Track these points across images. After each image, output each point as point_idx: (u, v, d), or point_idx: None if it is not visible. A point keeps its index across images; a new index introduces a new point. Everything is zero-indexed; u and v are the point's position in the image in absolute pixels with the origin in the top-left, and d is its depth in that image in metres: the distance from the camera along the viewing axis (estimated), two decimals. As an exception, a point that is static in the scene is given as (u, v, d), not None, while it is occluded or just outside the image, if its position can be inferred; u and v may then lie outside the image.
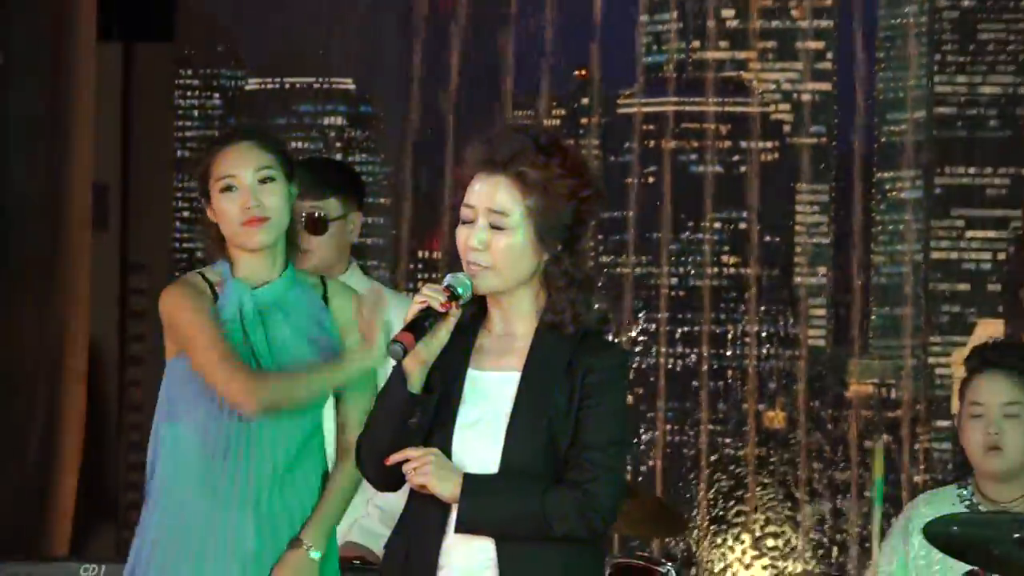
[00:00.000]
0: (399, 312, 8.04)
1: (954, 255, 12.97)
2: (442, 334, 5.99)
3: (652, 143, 12.76)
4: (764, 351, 12.93)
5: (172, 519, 7.45)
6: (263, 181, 7.17)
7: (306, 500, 7.26)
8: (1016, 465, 8.80)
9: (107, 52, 12.43)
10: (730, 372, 12.86)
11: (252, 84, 13.14)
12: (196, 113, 13.09)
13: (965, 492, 8.82)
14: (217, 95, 13.15)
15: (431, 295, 6.00)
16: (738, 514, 12.58)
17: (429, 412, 6.15)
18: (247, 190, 7.15)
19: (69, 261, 11.72)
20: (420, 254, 11.89)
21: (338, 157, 12.84)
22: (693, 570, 11.18)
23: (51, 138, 11.95)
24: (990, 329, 12.56)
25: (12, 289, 11.27)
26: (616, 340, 6.57)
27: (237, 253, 7.27)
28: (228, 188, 7.14)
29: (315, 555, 7.24)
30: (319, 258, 8.37)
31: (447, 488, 6.14)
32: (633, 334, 12.83)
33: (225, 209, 7.17)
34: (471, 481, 6.17)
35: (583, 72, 12.87)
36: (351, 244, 9.04)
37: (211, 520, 7.39)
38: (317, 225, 8.57)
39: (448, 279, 5.93)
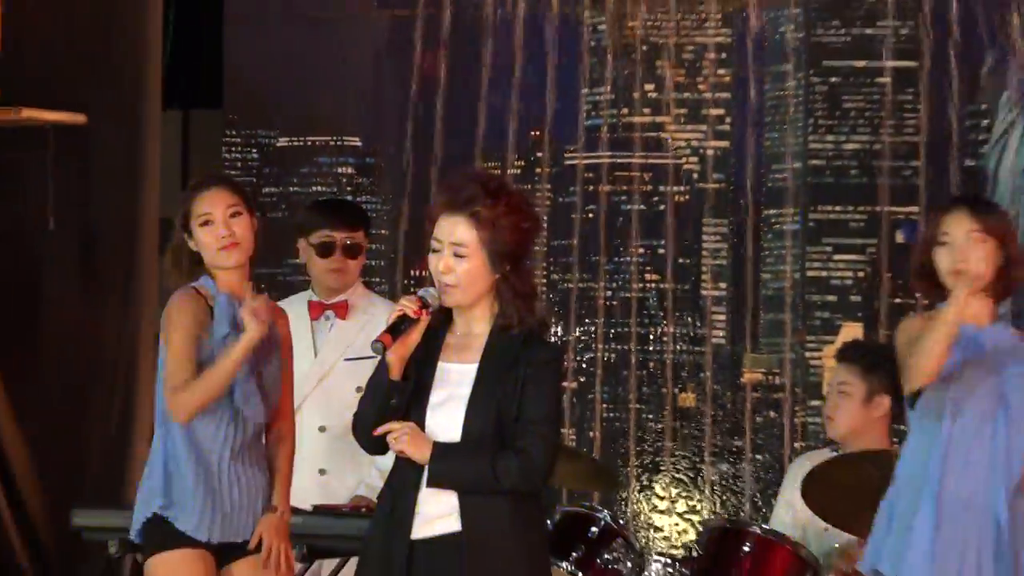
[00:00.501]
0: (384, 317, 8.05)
1: (824, 273, 13.36)
2: (415, 335, 6.82)
3: (591, 188, 13.05)
4: (678, 347, 13.20)
5: (201, 467, 7.86)
6: (233, 215, 7.81)
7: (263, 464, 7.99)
8: (844, 432, 9.21)
9: (170, 117, 12.72)
10: (652, 363, 13.13)
11: (282, 141, 13.37)
12: (239, 164, 13.37)
13: (836, 454, 9.18)
14: (255, 150, 13.37)
15: (406, 304, 6.77)
16: (657, 473, 12.72)
17: (406, 394, 6.83)
18: (221, 223, 7.79)
19: (141, 278, 11.92)
20: (412, 273, 12.43)
21: (348, 198, 12.90)
22: (624, 516, 10.95)
23: (127, 183, 12.34)
24: (851, 331, 12.90)
25: (98, 301, 11.82)
26: (553, 340, 6.93)
27: (217, 272, 7.83)
28: (207, 223, 7.78)
29: (287, 517, 7.94)
30: (351, 276, 9.37)
31: (420, 453, 6.76)
32: (576, 334, 13.10)
33: (205, 240, 7.80)
34: (438, 448, 6.76)
35: (538, 132, 13.11)
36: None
37: (234, 471, 7.86)
38: (354, 251, 9.36)
39: (420, 292, 6.87)
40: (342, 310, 9.28)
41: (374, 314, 9.25)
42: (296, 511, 8.40)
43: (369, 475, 9.04)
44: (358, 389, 8.35)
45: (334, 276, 9.33)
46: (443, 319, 6.89)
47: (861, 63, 13.01)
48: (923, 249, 7.53)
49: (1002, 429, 7.56)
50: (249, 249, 7.85)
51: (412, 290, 7.65)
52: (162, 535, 7.90)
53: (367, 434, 6.96)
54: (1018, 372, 7.55)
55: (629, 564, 9.22)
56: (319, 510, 8.81)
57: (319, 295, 9.39)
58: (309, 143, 13.29)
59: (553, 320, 12.28)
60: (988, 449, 7.69)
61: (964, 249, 7.35)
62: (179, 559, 7.95)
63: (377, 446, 6.96)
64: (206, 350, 7.86)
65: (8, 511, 11.99)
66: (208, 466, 7.88)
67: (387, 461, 7.94)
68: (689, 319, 13.37)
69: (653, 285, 13.08)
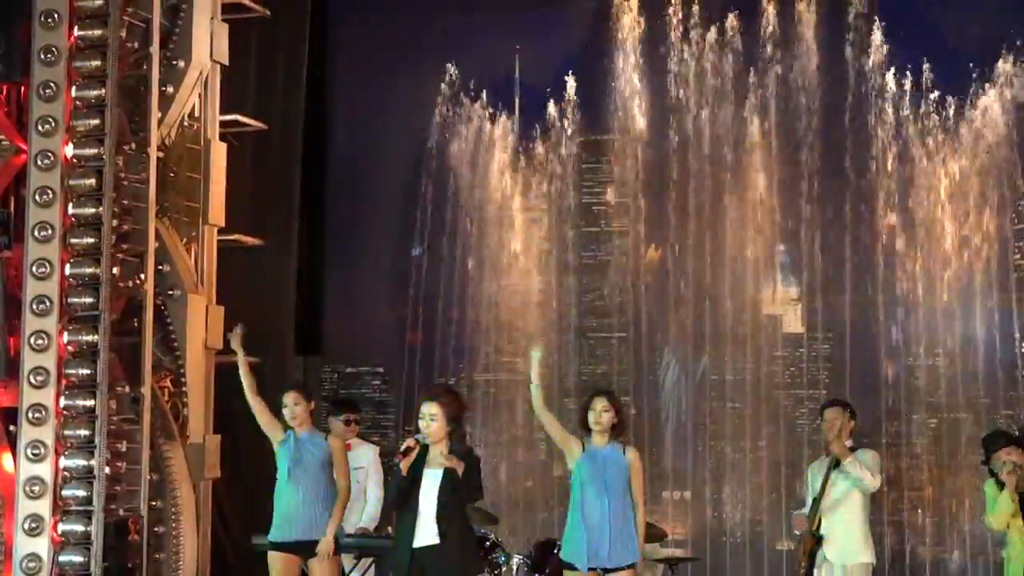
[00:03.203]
0: (369, 452, 8.98)
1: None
2: (413, 455, 6.88)
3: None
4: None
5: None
6: (296, 404, 8.10)
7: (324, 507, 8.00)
8: None
9: (298, 360, 12.52)
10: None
11: (348, 370, 12.80)
12: (327, 380, 12.81)
13: None
14: (336, 374, 12.85)
15: (409, 442, 6.99)
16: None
17: (408, 482, 6.99)
18: (291, 410, 8.12)
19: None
20: (405, 427, 11.81)
21: (376, 399, 12.70)
22: (501, 537, 10.03)
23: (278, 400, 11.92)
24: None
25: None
26: (475, 454, 7.17)
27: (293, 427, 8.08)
28: (285, 406, 8.13)
29: (330, 538, 7.95)
30: (352, 435, 8.99)
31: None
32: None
33: (285, 416, 8.11)
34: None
35: (462, 365, 12.24)
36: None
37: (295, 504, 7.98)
38: (358, 423, 9.14)
39: (415, 436, 6.99)
40: (348, 447, 8.91)
41: (361, 450, 9.13)
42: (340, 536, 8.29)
43: (363, 519, 8.97)
44: (356, 481, 8.68)
45: (350, 434, 9.16)
46: (425, 450, 7.08)
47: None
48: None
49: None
50: (306, 421, 8.08)
51: (409, 434, 7.79)
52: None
53: (393, 501, 7.21)
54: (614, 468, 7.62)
55: (503, 558, 9.35)
56: (346, 535, 8.52)
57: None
58: (360, 371, 12.72)
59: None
60: None
61: (598, 413, 7.61)
62: None
63: (399, 504, 7.11)
64: (279, 451, 8.10)
65: (224, 534, 11.83)
66: None
67: (372, 512, 8.75)
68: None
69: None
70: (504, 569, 9.37)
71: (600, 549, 7.68)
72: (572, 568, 7.82)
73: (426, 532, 7.09)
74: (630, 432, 10.75)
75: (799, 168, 11.45)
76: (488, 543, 9.43)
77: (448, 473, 7.09)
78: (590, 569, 7.75)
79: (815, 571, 8.41)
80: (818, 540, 8.36)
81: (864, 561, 8.40)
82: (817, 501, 8.40)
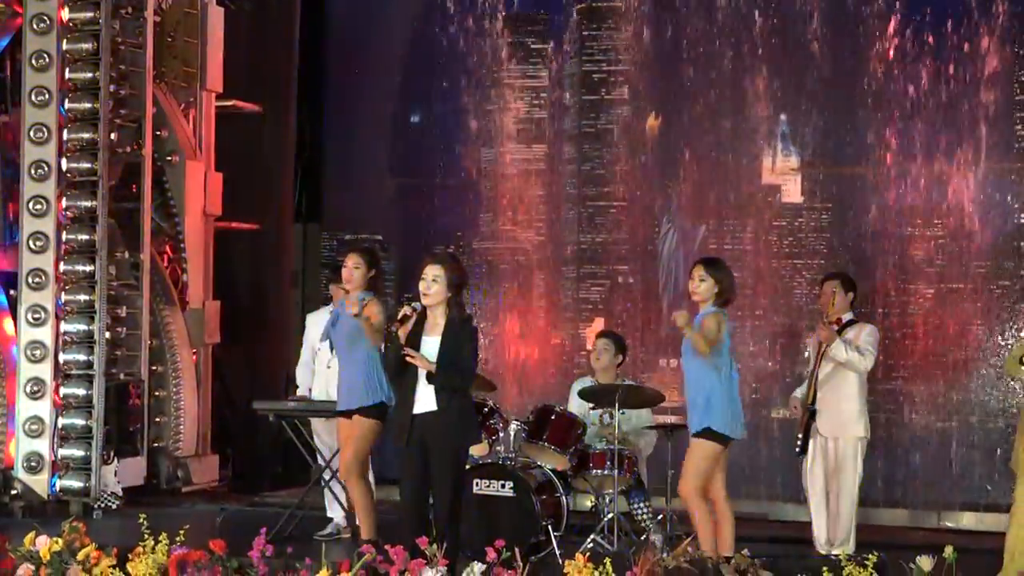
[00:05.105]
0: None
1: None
2: (410, 323, 6.94)
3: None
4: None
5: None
6: (355, 267, 7.88)
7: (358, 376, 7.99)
8: None
9: (297, 228, 12.53)
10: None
11: (347, 237, 12.35)
12: (327, 248, 12.53)
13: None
14: (335, 241, 12.49)
15: (405, 310, 6.98)
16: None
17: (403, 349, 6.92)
18: (349, 271, 8.03)
19: (284, 293, 12.35)
20: (403, 295, 10.71)
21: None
22: (499, 403, 9.66)
23: (278, 258, 12.33)
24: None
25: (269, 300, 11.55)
26: (473, 323, 7.19)
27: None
28: (344, 267, 8.03)
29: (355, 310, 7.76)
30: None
31: (427, 367, 6.99)
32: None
33: (343, 277, 8.04)
34: (430, 373, 7.06)
35: (461, 233, 12.08)
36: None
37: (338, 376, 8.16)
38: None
39: (413, 304, 7.05)
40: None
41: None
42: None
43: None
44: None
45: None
46: (423, 317, 7.14)
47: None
48: None
49: None
50: (359, 285, 7.98)
51: (407, 302, 7.49)
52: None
53: (391, 368, 7.35)
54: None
55: (501, 424, 9.25)
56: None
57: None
58: (359, 238, 12.25)
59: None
60: None
61: (696, 282, 7.60)
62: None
63: (397, 372, 7.16)
64: None
65: (225, 399, 11.95)
66: None
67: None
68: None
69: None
70: (502, 435, 9.39)
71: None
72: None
73: (425, 399, 7.10)
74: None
75: (802, 36, 11.27)
76: (486, 409, 9.39)
77: (445, 339, 7.08)
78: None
79: (810, 443, 8.45)
80: (812, 414, 8.36)
81: (855, 435, 8.44)
82: (812, 374, 8.41)
